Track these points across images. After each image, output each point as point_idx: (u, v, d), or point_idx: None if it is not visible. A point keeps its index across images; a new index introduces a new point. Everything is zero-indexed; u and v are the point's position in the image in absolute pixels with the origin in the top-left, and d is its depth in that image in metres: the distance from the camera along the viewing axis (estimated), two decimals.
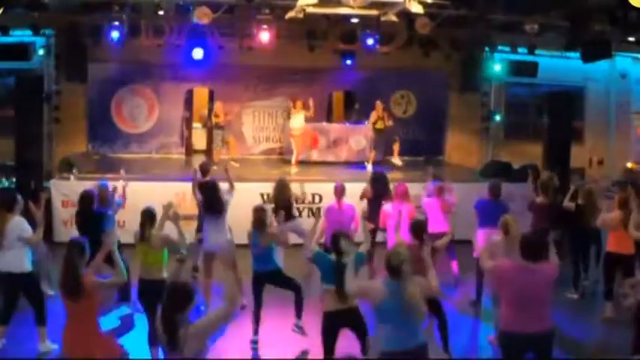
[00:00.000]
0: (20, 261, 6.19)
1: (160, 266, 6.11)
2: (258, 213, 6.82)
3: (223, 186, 7.81)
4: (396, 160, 13.97)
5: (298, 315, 6.74)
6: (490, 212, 7.60)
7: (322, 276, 5.63)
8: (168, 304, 3.77)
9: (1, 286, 6.29)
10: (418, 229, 6.41)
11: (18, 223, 6.23)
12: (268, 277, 6.78)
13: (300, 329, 6.68)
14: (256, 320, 6.67)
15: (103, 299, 5.20)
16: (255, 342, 6.63)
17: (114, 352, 4.94)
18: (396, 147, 14.07)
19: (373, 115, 13.10)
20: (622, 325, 6.54)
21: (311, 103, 12.79)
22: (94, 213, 7.38)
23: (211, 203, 7.49)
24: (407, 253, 4.58)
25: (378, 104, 13.20)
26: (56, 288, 4.85)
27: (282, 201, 8.40)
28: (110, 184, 8.22)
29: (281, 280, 6.84)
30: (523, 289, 4.79)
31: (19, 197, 6.43)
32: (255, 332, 6.67)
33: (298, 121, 13.07)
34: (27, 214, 6.44)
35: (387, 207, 8.27)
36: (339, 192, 8.33)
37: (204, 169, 9.00)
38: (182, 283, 4.00)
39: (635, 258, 7.31)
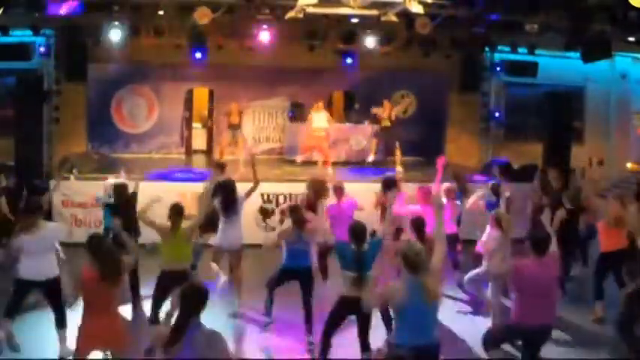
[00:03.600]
0: (52, 266, 6.19)
1: (189, 257, 6.54)
2: (297, 213, 6.93)
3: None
4: (399, 168, 12.63)
5: (309, 330, 6.67)
6: None
7: (343, 264, 5.79)
8: (188, 305, 3.80)
9: (25, 291, 6.23)
10: (420, 226, 6.53)
11: (54, 228, 6.32)
12: (300, 274, 6.78)
13: (313, 345, 6.48)
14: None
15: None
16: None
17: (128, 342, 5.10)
18: (398, 155, 13.02)
19: (379, 111, 12.92)
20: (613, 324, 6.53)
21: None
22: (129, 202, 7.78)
23: (230, 203, 7.56)
24: (422, 247, 4.70)
25: (387, 103, 13.10)
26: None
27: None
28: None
29: (308, 280, 6.84)
30: (539, 284, 5.00)
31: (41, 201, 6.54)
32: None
33: (323, 120, 12.89)
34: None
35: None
36: (338, 191, 8.28)
37: (222, 167, 9.03)
38: (200, 285, 4.00)
39: (625, 253, 7.38)
